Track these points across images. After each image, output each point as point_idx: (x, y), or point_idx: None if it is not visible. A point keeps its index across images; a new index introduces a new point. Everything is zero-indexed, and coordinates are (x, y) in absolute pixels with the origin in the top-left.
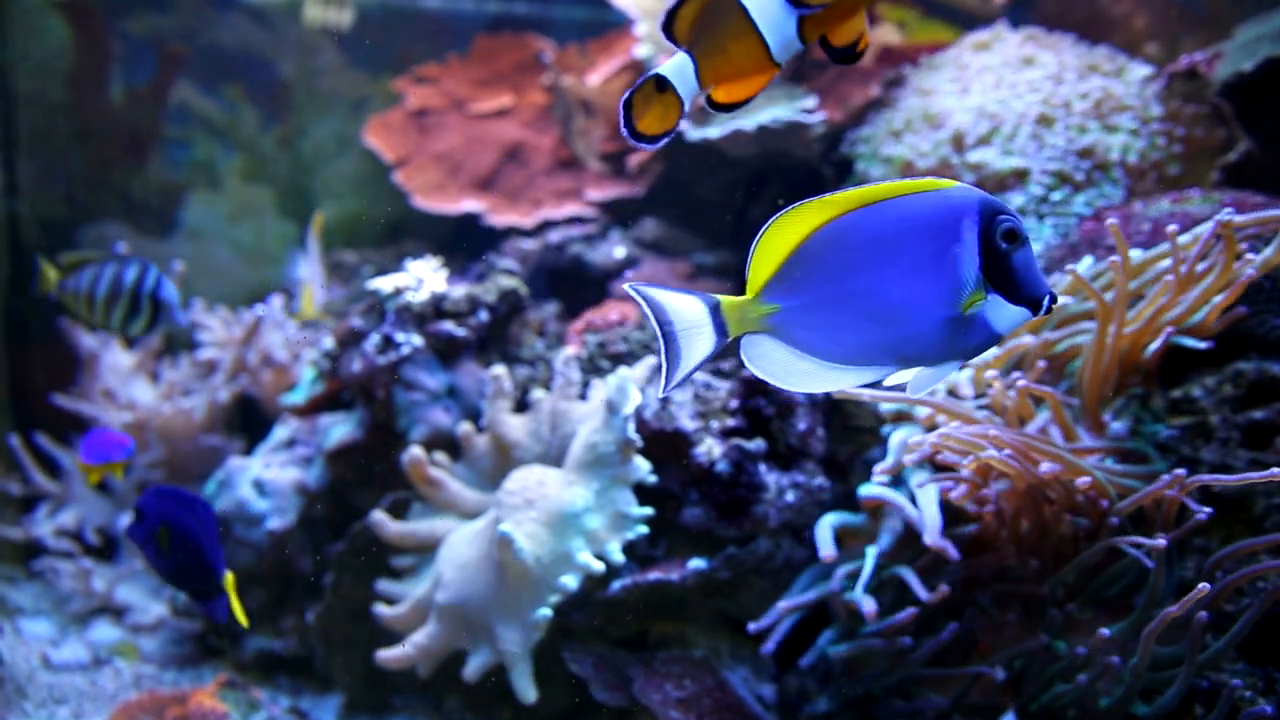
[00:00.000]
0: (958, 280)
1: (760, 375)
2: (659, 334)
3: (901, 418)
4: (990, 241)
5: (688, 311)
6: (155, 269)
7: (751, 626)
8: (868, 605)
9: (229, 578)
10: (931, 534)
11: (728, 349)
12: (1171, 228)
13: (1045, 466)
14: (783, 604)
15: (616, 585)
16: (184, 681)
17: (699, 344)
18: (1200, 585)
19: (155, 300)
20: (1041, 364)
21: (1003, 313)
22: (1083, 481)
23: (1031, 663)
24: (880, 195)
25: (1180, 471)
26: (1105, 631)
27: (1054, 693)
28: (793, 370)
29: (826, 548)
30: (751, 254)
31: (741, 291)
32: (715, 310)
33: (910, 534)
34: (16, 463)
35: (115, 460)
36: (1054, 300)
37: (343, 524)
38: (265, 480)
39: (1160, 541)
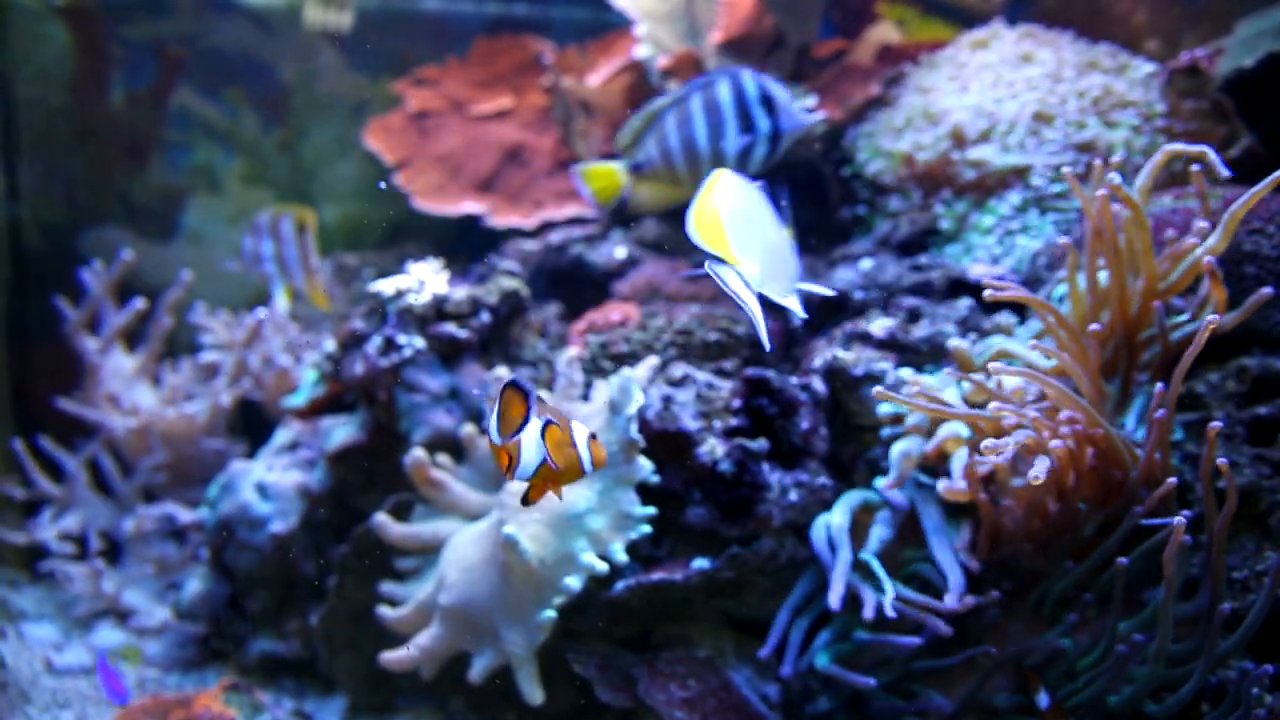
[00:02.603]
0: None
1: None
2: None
3: (899, 420)
4: None
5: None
6: (741, 71)
7: (763, 651)
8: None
9: None
10: (954, 595)
11: (731, 347)
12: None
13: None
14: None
15: (620, 585)
16: (188, 685)
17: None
18: (1182, 513)
19: (769, 101)
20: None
21: None
22: (1097, 432)
23: (1040, 660)
24: None
25: (1159, 387)
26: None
27: (1064, 691)
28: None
29: (844, 550)
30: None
31: None
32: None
33: (909, 525)
34: (19, 466)
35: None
36: None
37: (345, 526)
38: (268, 483)
39: (1184, 515)
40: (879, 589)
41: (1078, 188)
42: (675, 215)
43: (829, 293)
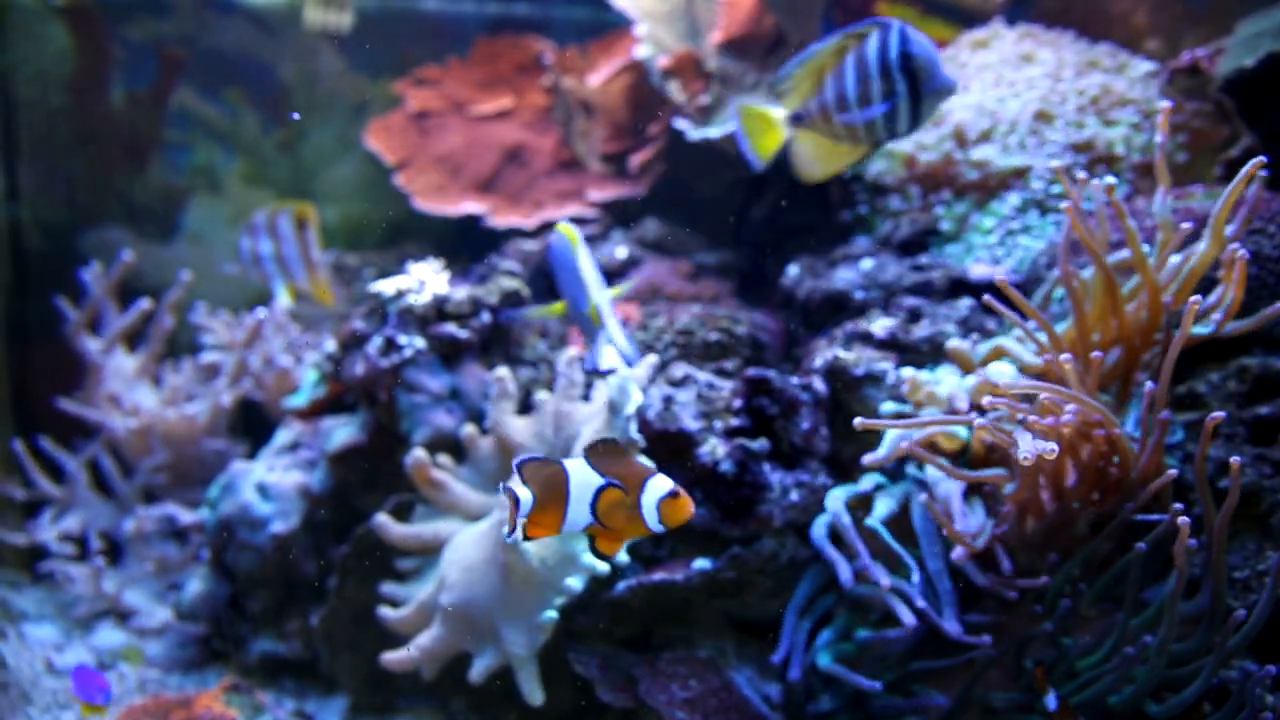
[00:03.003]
0: None
1: None
2: None
3: (901, 418)
4: None
5: None
6: (891, 24)
7: (776, 656)
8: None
9: None
10: (948, 619)
11: (732, 347)
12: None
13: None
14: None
15: (621, 586)
16: (189, 685)
17: None
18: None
19: (908, 61)
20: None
21: None
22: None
23: (1040, 660)
24: None
25: (1149, 385)
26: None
27: (1064, 690)
28: None
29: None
30: None
31: (744, 290)
32: None
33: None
34: (20, 466)
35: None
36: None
37: (346, 527)
38: (269, 484)
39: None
40: (890, 569)
41: (1070, 187)
42: (675, 212)
43: (630, 352)
